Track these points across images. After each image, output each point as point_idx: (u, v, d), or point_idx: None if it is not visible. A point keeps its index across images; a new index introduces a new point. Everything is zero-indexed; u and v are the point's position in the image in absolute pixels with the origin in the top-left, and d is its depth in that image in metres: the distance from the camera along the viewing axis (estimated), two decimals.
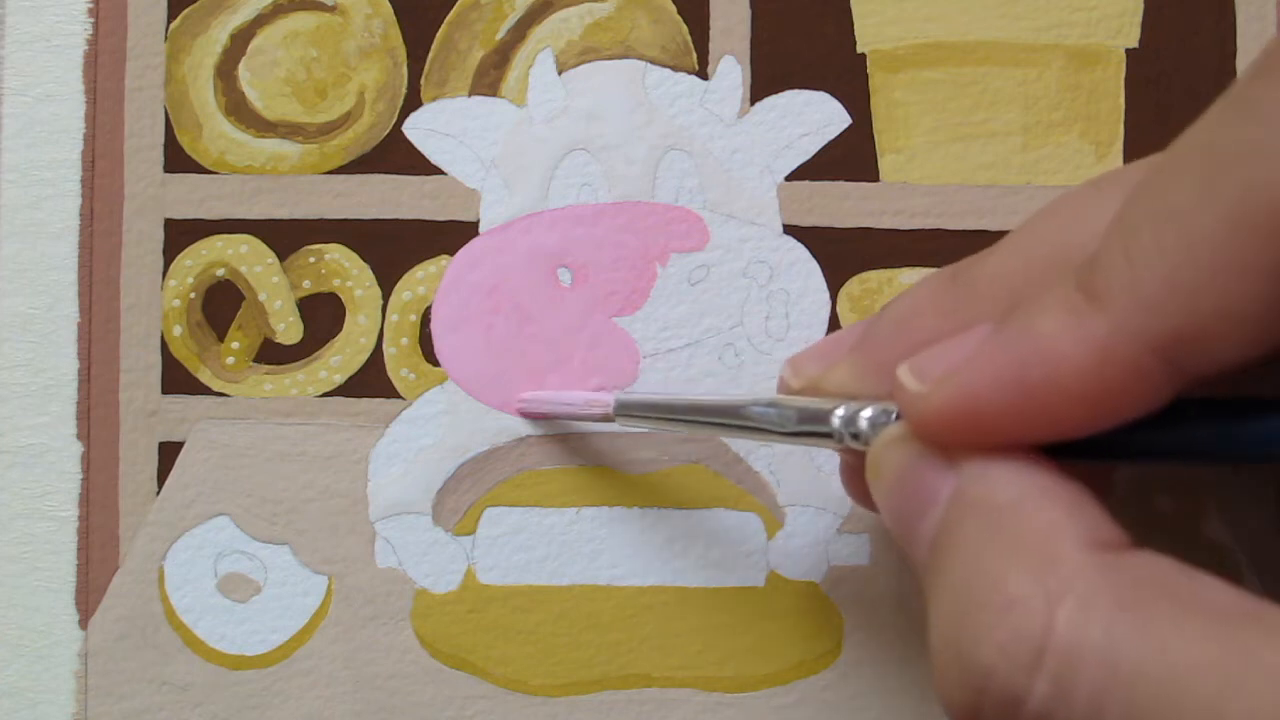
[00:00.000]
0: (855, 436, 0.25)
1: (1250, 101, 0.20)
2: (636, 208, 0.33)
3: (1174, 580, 0.20)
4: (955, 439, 0.23)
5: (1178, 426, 0.22)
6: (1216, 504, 0.32)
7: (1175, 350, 0.21)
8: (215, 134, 0.34)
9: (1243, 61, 0.33)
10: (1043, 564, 0.21)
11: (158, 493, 0.33)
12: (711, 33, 0.34)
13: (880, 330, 0.27)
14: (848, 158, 0.33)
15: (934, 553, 0.23)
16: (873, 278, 0.33)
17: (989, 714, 0.21)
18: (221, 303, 0.34)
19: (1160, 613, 0.19)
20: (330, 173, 0.34)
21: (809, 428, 0.26)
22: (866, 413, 0.25)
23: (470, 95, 0.34)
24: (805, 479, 0.33)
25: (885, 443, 0.24)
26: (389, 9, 0.34)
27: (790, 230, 0.33)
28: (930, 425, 0.23)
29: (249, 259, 0.34)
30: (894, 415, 0.24)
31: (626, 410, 0.30)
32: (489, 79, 0.34)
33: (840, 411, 0.25)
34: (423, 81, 0.34)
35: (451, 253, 0.33)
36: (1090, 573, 0.20)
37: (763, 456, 0.33)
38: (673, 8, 0.34)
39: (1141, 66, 0.33)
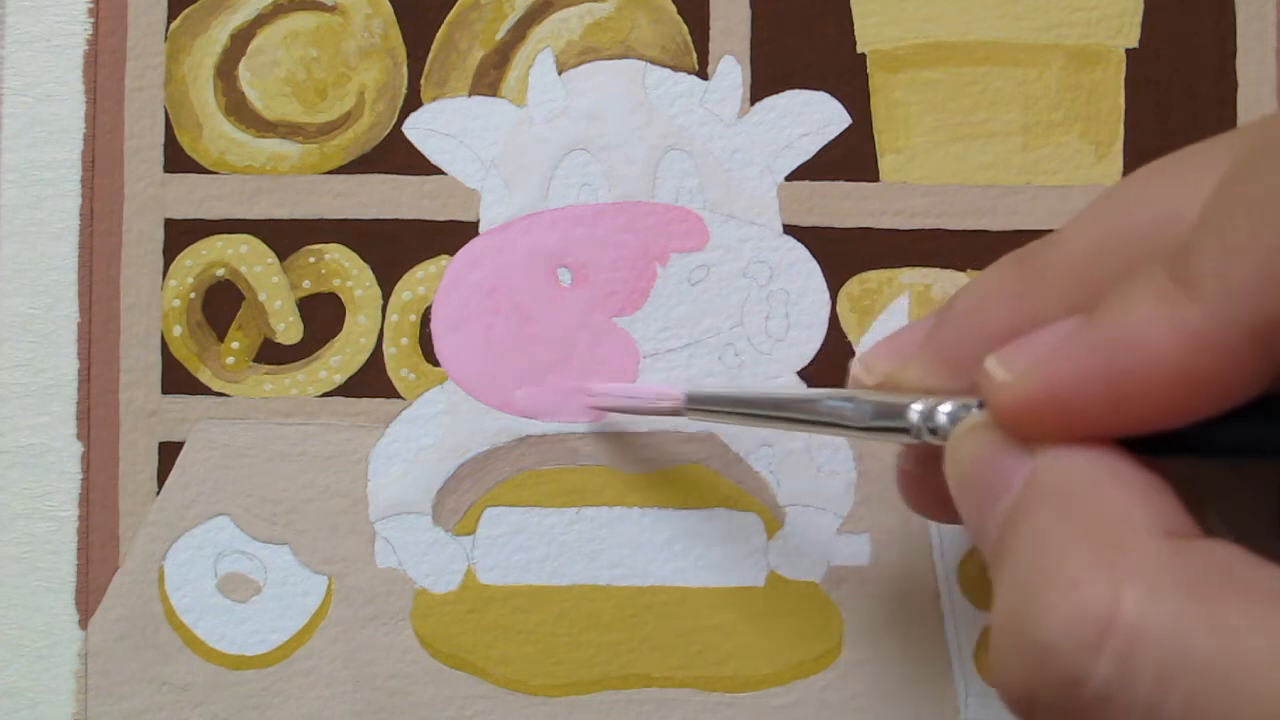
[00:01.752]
0: (933, 431, 0.24)
1: None
2: (636, 208, 0.33)
3: (1243, 570, 0.20)
4: (1039, 428, 0.22)
5: (1265, 422, 0.22)
6: (1216, 504, 0.32)
7: (1271, 337, 0.20)
8: (215, 134, 0.34)
9: (1243, 61, 0.33)
10: (1112, 547, 0.20)
11: (158, 493, 0.33)
12: (711, 33, 0.34)
13: (950, 323, 0.26)
14: (848, 158, 0.33)
15: (1002, 536, 0.22)
16: (873, 278, 0.33)
17: (1046, 694, 0.20)
18: (221, 303, 0.34)
19: (1229, 601, 0.19)
20: (330, 173, 0.34)
21: (885, 423, 0.25)
22: (945, 407, 0.24)
23: (470, 95, 0.34)
24: (805, 479, 0.33)
25: (963, 432, 0.24)
26: (389, 9, 0.34)
27: (790, 230, 0.33)
28: (1015, 413, 0.22)
29: (249, 259, 0.34)
30: (973, 410, 0.24)
31: (697, 404, 0.30)
32: (489, 79, 0.34)
33: (918, 406, 0.24)
34: (423, 81, 0.34)
35: (451, 253, 0.33)
36: (1160, 558, 0.20)
37: (763, 456, 0.33)
38: (673, 8, 0.34)
39: (1141, 66, 0.33)
